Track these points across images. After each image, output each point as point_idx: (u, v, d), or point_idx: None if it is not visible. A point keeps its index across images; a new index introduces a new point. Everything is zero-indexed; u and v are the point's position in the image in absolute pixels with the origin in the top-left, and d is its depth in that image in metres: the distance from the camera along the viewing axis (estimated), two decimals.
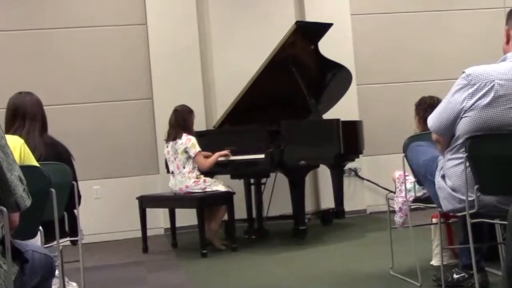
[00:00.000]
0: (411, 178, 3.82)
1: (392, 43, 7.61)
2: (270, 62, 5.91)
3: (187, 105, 5.80)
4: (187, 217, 6.22)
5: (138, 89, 7.11)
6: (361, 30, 7.50)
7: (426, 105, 4.10)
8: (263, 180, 6.28)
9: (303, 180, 5.65)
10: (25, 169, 2.29)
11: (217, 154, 5.66)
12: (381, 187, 7.31)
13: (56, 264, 2.70)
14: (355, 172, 7.40)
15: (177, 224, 6.05)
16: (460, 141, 3.01)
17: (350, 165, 7.07)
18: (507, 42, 3.08)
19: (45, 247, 2.88)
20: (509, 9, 3.21)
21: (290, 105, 6.21)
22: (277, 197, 6.45)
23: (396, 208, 4.03)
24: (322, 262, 4.87)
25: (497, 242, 3.72)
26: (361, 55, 7.45)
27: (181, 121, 5.67)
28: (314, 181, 7.36)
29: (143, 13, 7.12)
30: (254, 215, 6.30)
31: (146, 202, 5.87)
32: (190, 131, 5.67)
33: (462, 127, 2.98)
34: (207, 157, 5.65)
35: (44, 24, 6.92)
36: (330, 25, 6.15)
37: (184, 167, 5.58)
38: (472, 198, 2.99)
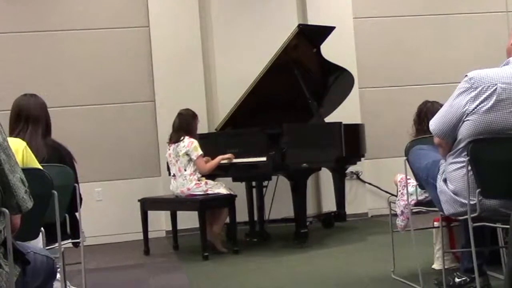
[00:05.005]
0: (413, 182, 3.82)
1: (395, 47, 7.61)
2: (272, 65, 5.91)
3: (191, 109, 5.81)
4: (188, 219, 6.22)
5: (140, 91, 7.12)
6: (363, 34, 7.50)
7: (418, 112, 4.12)
8: (265, 183, 6.28)
9: (304, 183, 5.65)
10: (28, 171, 2.30)
11: (219, 157, 5.66)
12: (383, 190, 7.31)
13: (58, 266, 2.70)
14: (357, 175, 7.40)
15: (179, 227, 6.06)
16: (462, 145, 3.01)
17: (352, 168, 7.08)
18: None
19: (47, 249, 2.88)
20: (511, 13, 3.22)
21: (292, 108, 6.21)
22: (278, 200, 6.45)
23: (398, 212, 4.03)
24: (323, 265, 4.86)
25: (499, 246, 3.72)
26: (364, 59, 7.44)
27: (184, 124, 5.69)
28: (315, 184, 7.36)
29: (145, 16, 7.13)
30: (255, 218, 6.28)
31: (147, 205, 5.87)
32: (193, 135, 5.69)
33: (464, 131, 2.98)
34: (206, 162, 5.66)
35: (46, 27, 6.93)
36: (332, 28, 6.15)
37: (185, 170, 5.59)
38: (474, 201, 2.99)
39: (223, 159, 5.67)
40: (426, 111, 4.05)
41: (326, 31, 6.18)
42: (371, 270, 4.43)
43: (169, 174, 5.88)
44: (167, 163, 5.92)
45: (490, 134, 2.92)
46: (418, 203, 3.83)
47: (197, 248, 5.54)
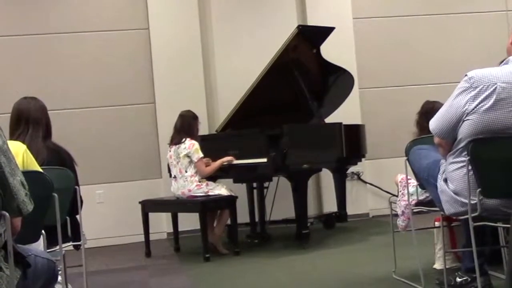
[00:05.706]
0: (413, 182, 3.82)
1: (394, 47, 7.60)
2: (273, 66, 5.91)
3: (192, 111, 5.82)
4: (189, 221, 6.22)
5: (140, 93, 7.12)
6: (363, 34, 7.50)
7: (424, 111, 4.10)
8: (266, 184, 6.27)
9: (305, 184, 5.64)
10: (28, 174, 2.30)
11: (219, 161, 5.67)
12: (383, 190, 7.30)
13: (59, 269, 2.70)
14: (358, 176, 7.39)
15: (180, 228, 6.06)
16: (462, 144, 3.01)
17: (352, 168, 7.07)
18: None
19: (48, 252, 2.88)
20: (511, 12, 3.22)
21: (293, 109, 6.21)
22: (279, 201, 6.44)
23: (399, 212, 4.03)
24: (324, 266, 4.86)
25: (500, 245, 3.72)
26: (363, 59, 7.44)
27: (186, 126, 5.69)
28: (316, 185, 7.36)
29: (145, 18, 7.13)
30: (256, 219, 6.28)
31: (148, 207, 5.87)
32: (194, 136, 5.69)
33: (464, 130, 2.97)
34: (207, 164, 5.66)
35: (46, 29, 6.93)
36: (332, 29, 6.15)
37: (186, 171, 5.59)
38: (475, 201, 2.98)
39: (223, 162, 5.67)
40: (435, 110, 4.06)
41: (326, 31, 6.18)
42: (372, 271, 4.43)
43: (170, 175, 5.88)
44: (168, 164, 5.92)
45: (490, 133, 2.92)
46: (419, 203, 3.83)
47: (198, 249, 5.54)
